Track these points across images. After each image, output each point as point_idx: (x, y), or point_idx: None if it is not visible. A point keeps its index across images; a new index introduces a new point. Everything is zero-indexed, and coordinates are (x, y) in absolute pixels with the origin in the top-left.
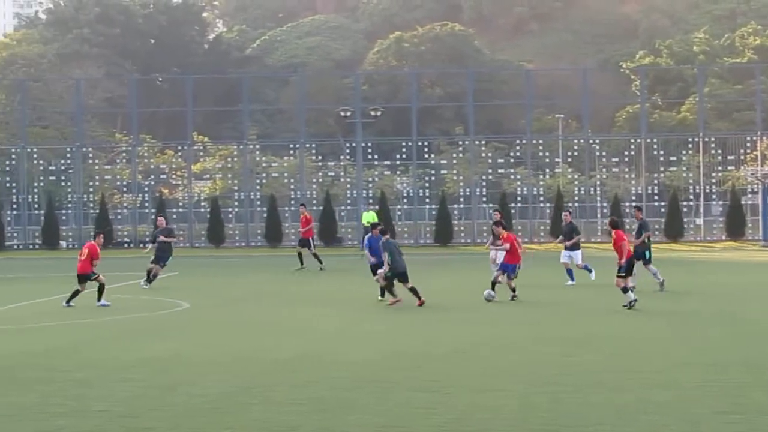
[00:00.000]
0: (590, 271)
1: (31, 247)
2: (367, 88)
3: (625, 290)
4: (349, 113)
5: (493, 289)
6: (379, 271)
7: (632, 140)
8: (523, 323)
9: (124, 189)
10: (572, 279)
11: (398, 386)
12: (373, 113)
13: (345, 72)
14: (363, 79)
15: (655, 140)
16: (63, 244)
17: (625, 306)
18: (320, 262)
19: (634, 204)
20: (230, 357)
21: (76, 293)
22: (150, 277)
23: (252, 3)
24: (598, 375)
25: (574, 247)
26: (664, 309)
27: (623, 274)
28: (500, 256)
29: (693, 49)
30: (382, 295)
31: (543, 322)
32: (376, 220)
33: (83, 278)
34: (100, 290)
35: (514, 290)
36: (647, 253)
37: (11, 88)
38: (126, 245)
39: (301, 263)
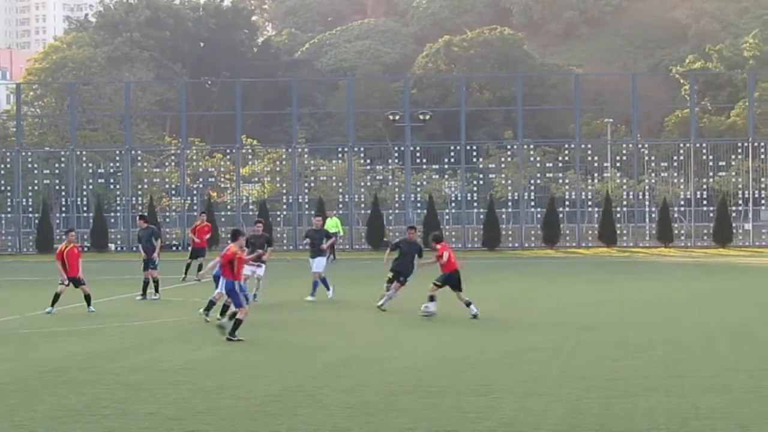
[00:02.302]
0: None
1: (80, 249)
2: (416, 92)
3: (431, 298)
4: (397, 117)
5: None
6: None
7: (681, 145)
8: (573, 328)
9: (173, 192)
10: None
11: (447, 391)
12: (421, 117)
13: (394, 76)
14: (412, 83)
15: (704, 145)
16: (111, 246)
17: (378, 306)
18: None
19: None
20: (278, 360)
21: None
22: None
23: (302, 7)
24: (648, 380)
25: None
26: (713, 315)
27: (439, 284)
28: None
29: (743, 53)
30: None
31: (593, 327)
32: (339, 227)
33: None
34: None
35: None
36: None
37: (61, 91)
38: (174, 248)
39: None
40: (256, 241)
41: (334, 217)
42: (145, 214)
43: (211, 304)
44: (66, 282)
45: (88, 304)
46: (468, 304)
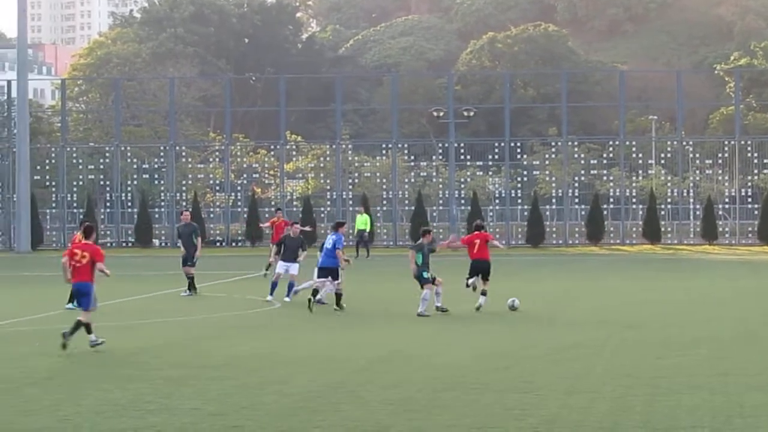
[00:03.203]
0: None
1: (124, 245)
2: (460, 89)
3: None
4: (441, 113)
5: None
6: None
7: (726, 142)
8: (616, 326)
9: (217, 188)
10: None
11: (489, 387)
12: (465, 114)
13: (438, 72)
14: (456, 80)
15: (749, 142)
16: (156, 242)
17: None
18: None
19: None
20: (320, 356)
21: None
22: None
23: (346, 3)
24: (693, 378)
25: None
26: (757, 313)
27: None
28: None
29: None
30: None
31: (637, 325)
32: (368, 225)
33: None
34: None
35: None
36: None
37: (106, 86)
38: (218, 243)
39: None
40: (291, 243)
41: (364, 213)
42: (189, 209)
43: (315, 292)
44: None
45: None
46: (483, 293)
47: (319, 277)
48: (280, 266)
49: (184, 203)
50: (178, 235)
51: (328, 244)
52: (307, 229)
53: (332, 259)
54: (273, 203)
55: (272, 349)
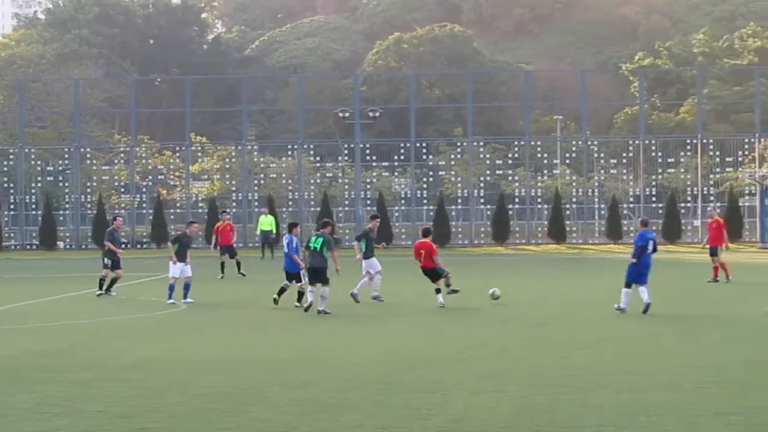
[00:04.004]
0: None
1: (28, 247)
2: (366, 89)
3: (438, 291)
4: (347, 114)
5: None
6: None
7: (631, 142)
8: (523, 325)
9: (122, 190)
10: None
11: (396, 387)
12: (371, 114)
13: (344, 73)
14: (362, 80)
15: (653, 142)
16: (60, 244)
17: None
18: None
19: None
20: (228, 357)
21: None
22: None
23: (251, 3)
24: (597, 377)
25: None
26: (663, 311)
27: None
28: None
29: (692, 50)
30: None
31: (543, 324)
32: (273, 226)
33: None
34: None
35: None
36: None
37: (10, 88)
38: (123, 246)
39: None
40: (188, 242)
41: (269, 215)
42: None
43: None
44: None
45: None
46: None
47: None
48: (177, 269)
49: (89, 205)
50: (112, 239)
51: (286, 248)
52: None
53: (290, 261)
54: (178, 205)
55: (180, 350)
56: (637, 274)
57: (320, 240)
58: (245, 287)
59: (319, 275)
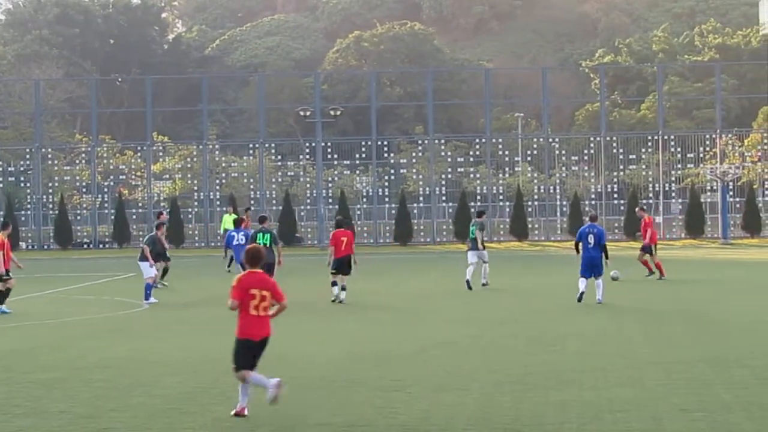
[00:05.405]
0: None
1: None
2: (327, 88)
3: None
4: (308, 113)
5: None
6: None
7: (592, 139)
8: (486, 323)
9: (84, 190)
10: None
11: (361, 386)
12: (332, 113)
13: (304, 72)
14: (322, 79)
15: (614, 139)
16: (22, 245)
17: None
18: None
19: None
20: (191, 358)
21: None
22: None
23: (211, 3)
24: (561, 374)
25: None
26: (626, 308)
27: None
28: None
29: (652, 47)
30: None
31: (506, 321)
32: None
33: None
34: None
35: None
36: None
37: None
38: (85, 246)
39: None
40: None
41: (232, 213)
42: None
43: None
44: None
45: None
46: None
47: None
48: (153, 270)
49: (50, 206)
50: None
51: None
52: None
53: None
54: (140, 204)
55: (143, 350)
56: (583, 267)
57: (267, 236)
58: (207, 287)
59: (269, 271)
